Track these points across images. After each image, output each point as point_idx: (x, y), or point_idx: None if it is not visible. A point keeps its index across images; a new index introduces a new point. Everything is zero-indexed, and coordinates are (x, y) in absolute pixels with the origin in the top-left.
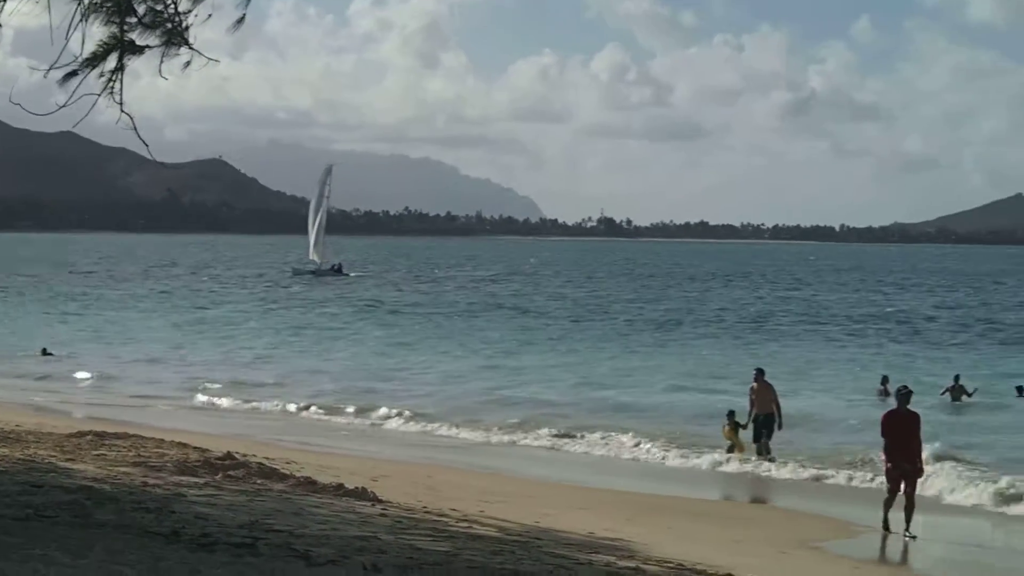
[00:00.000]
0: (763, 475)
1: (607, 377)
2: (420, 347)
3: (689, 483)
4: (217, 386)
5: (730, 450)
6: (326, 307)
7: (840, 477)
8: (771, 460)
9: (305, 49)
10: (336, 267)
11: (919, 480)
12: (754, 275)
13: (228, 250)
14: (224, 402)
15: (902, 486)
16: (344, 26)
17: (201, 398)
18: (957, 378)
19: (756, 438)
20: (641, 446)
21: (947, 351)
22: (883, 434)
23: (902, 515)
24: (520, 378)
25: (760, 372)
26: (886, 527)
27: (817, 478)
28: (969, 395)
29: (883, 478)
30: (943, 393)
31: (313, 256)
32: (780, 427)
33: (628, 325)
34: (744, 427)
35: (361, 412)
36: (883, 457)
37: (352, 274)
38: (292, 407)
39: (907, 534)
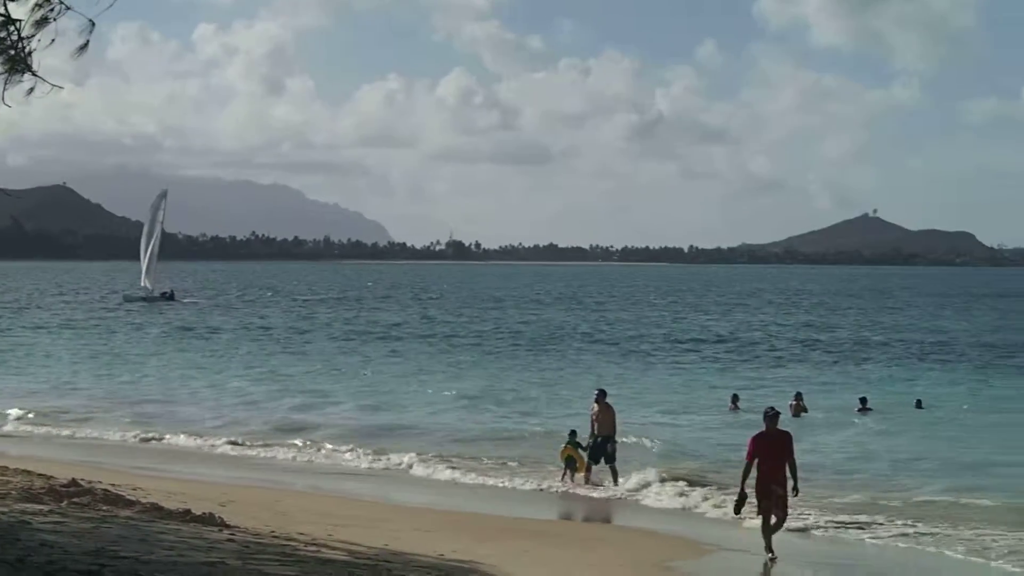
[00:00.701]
0: (608, 496)
1: (417, 398)
2: (230, 370)
3: (529, 504)
4: (31, 415)
5: (568, 469)
6: (147, 332)
7: (691, 498)
8: (615, 483)
9: (149, 75)
10: (167, 294)
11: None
12: (585, 297)
13: (69, 277)
14: (40, 430)
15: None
16: (189, 51)
17: (10, 427)
18: (799, 395)
19: (595, 459)
20: (468, 468)
21: (787, 368)
22: (749, 456)
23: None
24: (325, 400)
25: (602, 393)
26: (769, 551)
27: (662, 499)
28: (806, 411)
29: (733, 500)
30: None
31: (145, 283)
32: (613, 448)
33: (448, 346)
34: (585, 448)
35: (173, 436)
36: (745, 482)
37: (184, 300)
38: (116, 434)
39: (769, 555)
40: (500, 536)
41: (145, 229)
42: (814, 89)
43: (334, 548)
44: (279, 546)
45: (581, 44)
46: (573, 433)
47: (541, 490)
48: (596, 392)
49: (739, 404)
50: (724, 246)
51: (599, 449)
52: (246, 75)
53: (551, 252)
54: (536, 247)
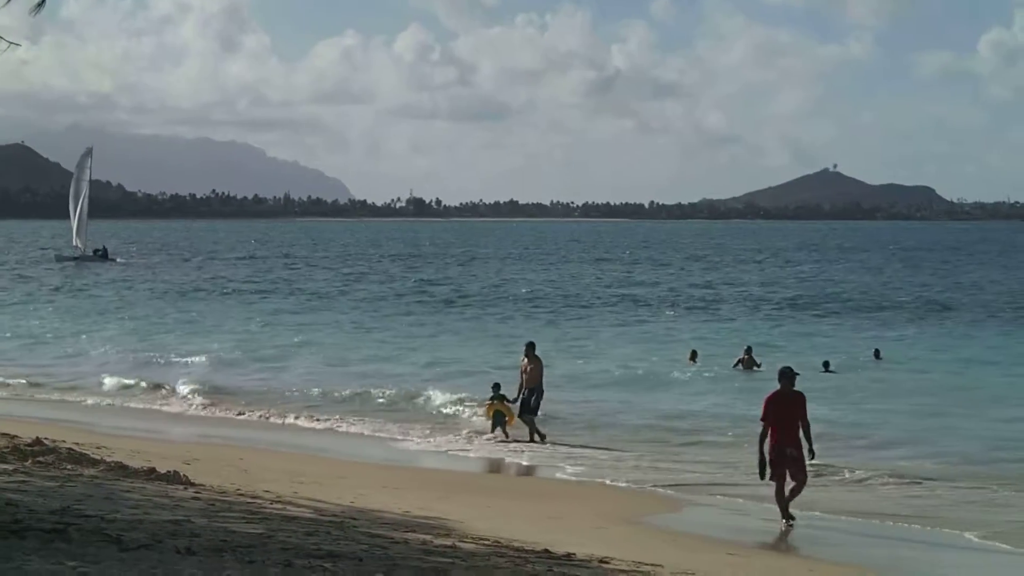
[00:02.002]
0: (555, 454)
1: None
2: (111, 326)
3: (468, 462)
4: None
5: (495, 426)
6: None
7: (651, 455)
8: (541, 437)
9: (103, 32)
10: (100, 252)
11: (808, 463)
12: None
13: (19, 236)
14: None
15: (787, 473)
16: (142, 9)
17: None
18: (749, 349)
19: (522, 412)
20: (396, 426)
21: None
22: (763, 418)
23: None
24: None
25: (530, 346)
26: (785, 516)
27: (622, 455)
28: (759, 366)
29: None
30: (736, 364)
31: (76, 242)
32: (538, 401)
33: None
34: (513, 402)
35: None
36: (766, 444)
37: (118, 260)
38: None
39: (785, 521)
40: (464, 492)
41: (72, 188)
42: (768, 44)
43: (300, 505)
44: (245, 504)
45: None
46: (497, 387)
47: (468, 448)
48: (525, 345)
49: (697, 360)
50: (685, 201)
51: (527, 402)
52: (201, 32)
53: (512, 208)
54: (497, 203)
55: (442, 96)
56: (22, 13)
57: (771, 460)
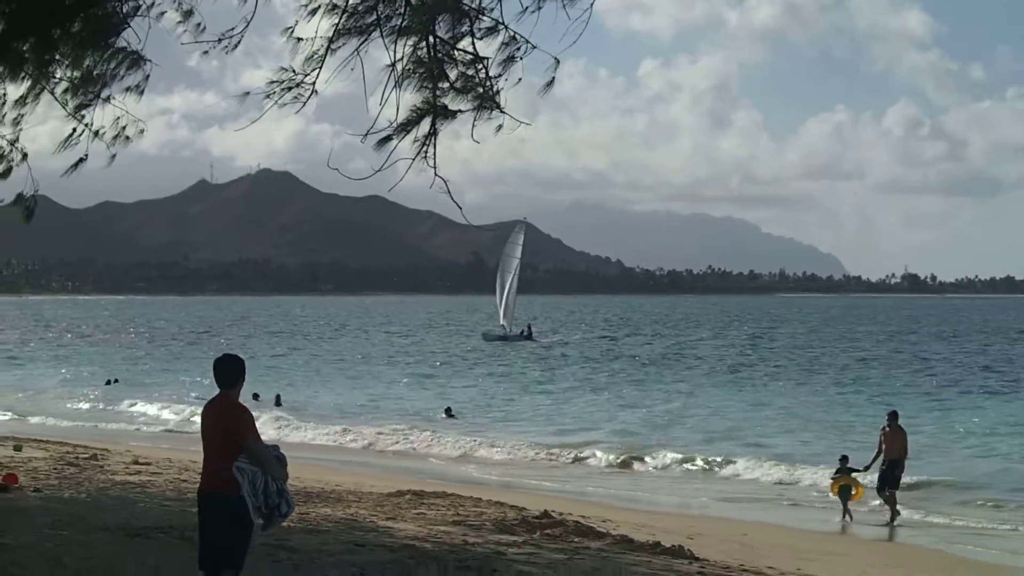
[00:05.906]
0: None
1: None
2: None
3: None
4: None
5: (844, 502)
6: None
7: None
8: (896, 514)
9: (596, 111)
10: (525, 332)
11: None
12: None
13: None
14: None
15: None
16: (634, 87)
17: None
18: None
19: (881, 487)
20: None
21: None
22: None
23: None
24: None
25: (893, 415)
26: None
27: None
28: None
29: None
30: None
31: (502, 322)
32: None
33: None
34: (861, 471)
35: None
36: None
37: (542, 340)
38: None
39: None
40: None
41: (501, 265)
42: None
43: None
44: None
45: (1021, 71)
46: (844, 459)
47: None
48: (888, 413)
49: None
50: None
51: (886, 474)
52: (691, 109)
53: (1008, 285)
54: (992, 280)
55: (932, 171)
56: (525, 94)
57: None
